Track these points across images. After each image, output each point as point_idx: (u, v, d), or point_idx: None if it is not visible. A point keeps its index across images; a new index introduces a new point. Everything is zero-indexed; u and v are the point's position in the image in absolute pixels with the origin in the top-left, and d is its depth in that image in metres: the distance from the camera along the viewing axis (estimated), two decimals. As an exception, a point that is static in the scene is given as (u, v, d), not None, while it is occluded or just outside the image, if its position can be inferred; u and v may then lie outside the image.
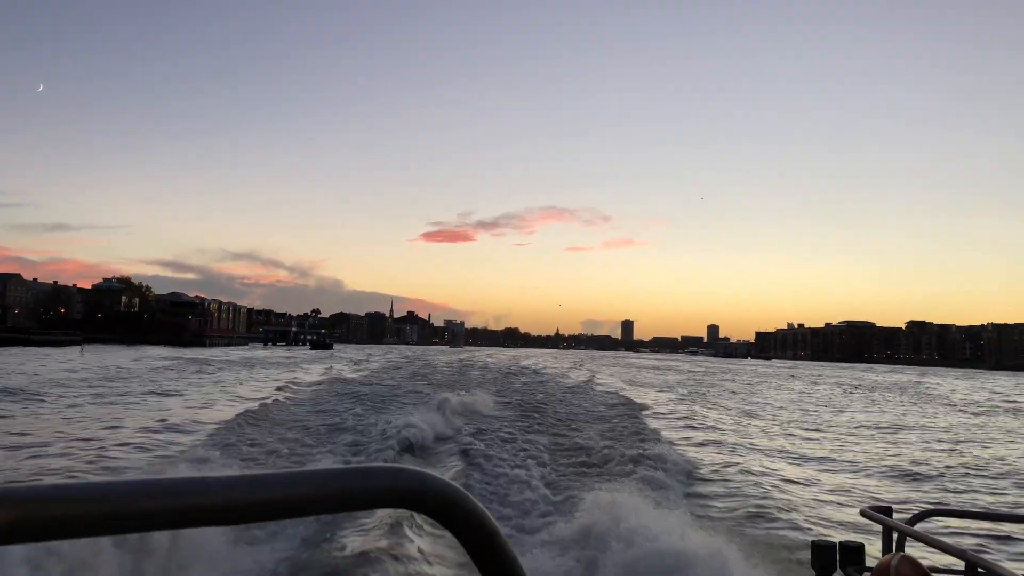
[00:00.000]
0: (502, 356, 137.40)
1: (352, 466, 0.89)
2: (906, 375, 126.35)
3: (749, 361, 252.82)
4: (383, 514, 10.65)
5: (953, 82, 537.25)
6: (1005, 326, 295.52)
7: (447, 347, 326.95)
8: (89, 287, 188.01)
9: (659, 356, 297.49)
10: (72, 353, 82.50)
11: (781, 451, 23.24)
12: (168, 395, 34.78)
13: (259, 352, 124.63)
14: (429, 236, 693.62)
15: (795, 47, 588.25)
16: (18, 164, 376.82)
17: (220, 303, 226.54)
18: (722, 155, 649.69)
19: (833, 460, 21.74)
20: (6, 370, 47.19)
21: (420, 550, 9.94)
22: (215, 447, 18.20)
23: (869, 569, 4.16)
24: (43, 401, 29.65)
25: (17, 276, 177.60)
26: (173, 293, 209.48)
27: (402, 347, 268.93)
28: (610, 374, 74.71)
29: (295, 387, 40.03)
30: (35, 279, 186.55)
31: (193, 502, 0.76)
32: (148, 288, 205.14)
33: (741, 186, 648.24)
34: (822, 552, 4.40)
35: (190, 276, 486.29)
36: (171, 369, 56.80)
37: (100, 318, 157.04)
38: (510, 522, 12.02)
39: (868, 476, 19.19)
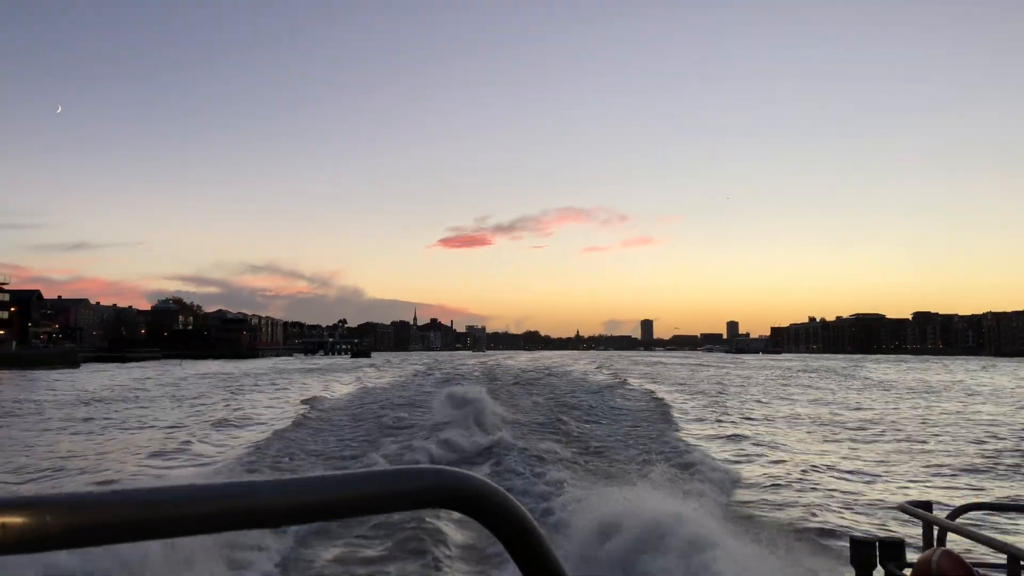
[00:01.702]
0: (522, 358, 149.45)
1: (395, 468, 0.91)
2: (844, 362, 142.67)
3: (748, 356, 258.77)
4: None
5: (959, 80, 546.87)
6: (1004, 314, 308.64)
7: (470, 352, 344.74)
8: (149, 308, 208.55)
9: (673, 354, 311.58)
10: (170, 366, 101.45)
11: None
12: (291, 386, 53.10)
13: (320, 361, 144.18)
14: (447, 242, 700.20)
15: (806, 43, 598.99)
16: (39, 185, 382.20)
17: (260, 318, 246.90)
18: (738, 149, 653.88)
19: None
20: (163, 380, 65.80)
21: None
22: (358, 410, 33.86)
23: (910, 565, 4.10)
24: (254, 387, 47.79)
25: (84, 301, 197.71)
26: (219, 311, 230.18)
27: (427, 353, 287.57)
28: (612, 370, 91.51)
29: (375, 379, 58.19)
30: (98, 303, 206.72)
31: (242, 505, 0.79)
32: (199, 307, 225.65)
33: (758, 180, 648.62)
34: (862, 548, 4.35)
35: (212, 290, 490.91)
36: (267, 374, 75.50)
37: (165, 336, 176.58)
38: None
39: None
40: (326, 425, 26.83)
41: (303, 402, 36.64)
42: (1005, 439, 25.49)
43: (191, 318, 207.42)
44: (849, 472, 18.37)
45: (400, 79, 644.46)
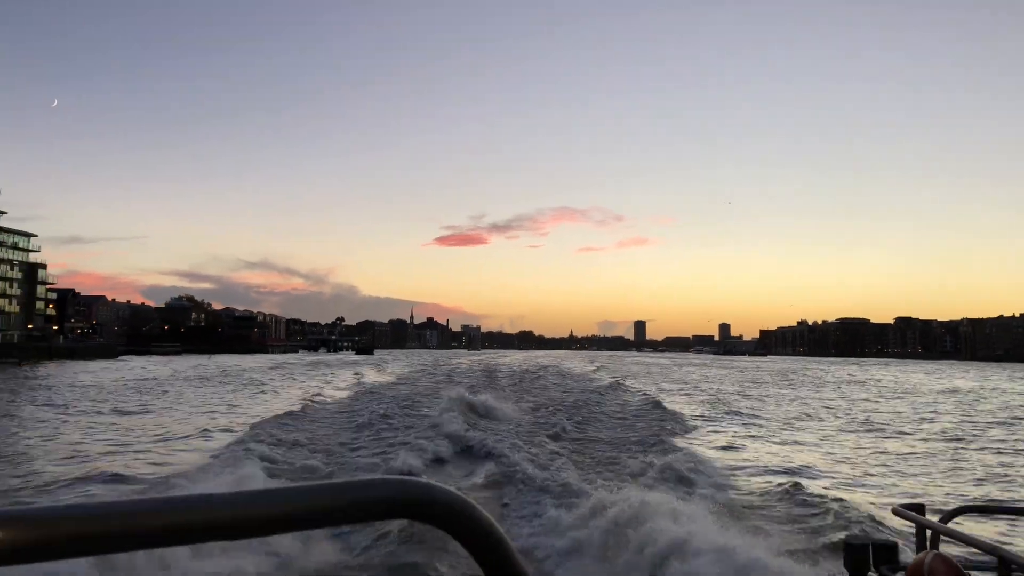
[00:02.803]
0: (516, 357, 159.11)
1: (358, 479, 0.91)
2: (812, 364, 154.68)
3: (734, 358, 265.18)
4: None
5: (951, 91, 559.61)
6: (978, 321, 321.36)
7: (465, 350, 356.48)
8: (164, 305, 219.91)
9: (662, 355, 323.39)
10: (199, 359, 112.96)
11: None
12: (324, 375, 64.71)
13: (330, 356, 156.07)
14: (442, 240, 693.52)
15: (800, 50, 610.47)
16: (33, 178, 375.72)
17: (264, 315, 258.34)
18: (735, 153, 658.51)
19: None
20: (207, 372, 77.27)
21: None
22: (380, 392, 46.92)
23: (903, 567, 4.12)
24: (293, 372, 59.38)
25: (102, 298, 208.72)
26: (227, 309, 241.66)
27: (425, 351, 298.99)
28: (596, 366, 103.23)
29: (388, 373, 69.75)
30: (114, 299, 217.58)
31: (202, 518, 0.79)
32: (209, 304, 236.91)
33: (754, 183, 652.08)
34: (855, 551, 4.36)
35: (206, 286, 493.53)
36: (286, 365, 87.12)
37: (182, 332, 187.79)
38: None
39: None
40: (384, 394, 39.10)
41: (356, 383, 48.73)
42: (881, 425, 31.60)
43: (202, 315, 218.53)
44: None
45: (398, 77, 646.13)
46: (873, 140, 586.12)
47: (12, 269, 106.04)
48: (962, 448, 25.21)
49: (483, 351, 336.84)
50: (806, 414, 36.89)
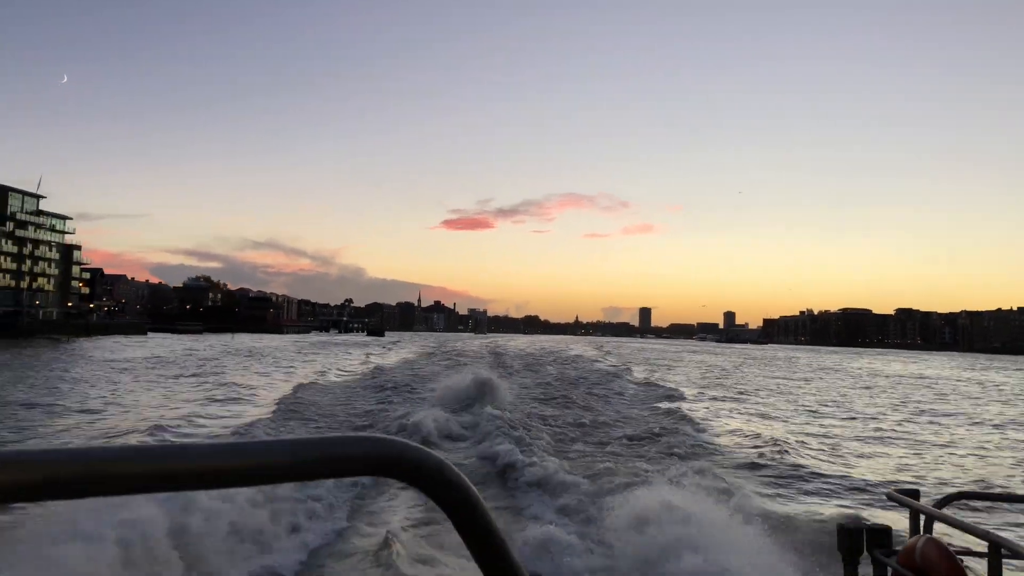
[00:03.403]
0: (522, 340, 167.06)
1: (332, 435, 0.94)
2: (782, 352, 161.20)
3: (737, 345, 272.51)
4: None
5: (955, 88, 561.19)
6: (976, 313, 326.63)
7: (471, 334, 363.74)
8: (181, 285, 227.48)
9: (666, 341, 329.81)
10: (224, 338, 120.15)
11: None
12: (348, 354, 71.65)
13: (344, 337, 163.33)
14: (449, 223, 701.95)
15: (809, 37, 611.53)
16: (41, 155, 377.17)
17: (277, 296, 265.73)
18: (741, 141, 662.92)
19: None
20: (240, 347, 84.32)
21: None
22: (414, 363, 54.25)
23: (896, 552, 4.16)
24: (318, 348, 66.49)
25: (123, 277, 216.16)
26: (241, 289, 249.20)
27: (432, 334, 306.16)
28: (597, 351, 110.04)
29: (402, 352, 76.62)
30: (133, 278, 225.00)
31: (178, 467, 0.82)
32: (225, 284, 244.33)
33: (762, 173, 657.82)
34: (849, 535, 4.39)
35: (213, 264, 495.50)
36: (318, 345, 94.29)
37: (201, 311, 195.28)
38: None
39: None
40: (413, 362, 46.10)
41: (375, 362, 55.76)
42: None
43: (219, 295, 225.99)
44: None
45: (406, 60, 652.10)
46: (878, 136, 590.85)
47: (51, 250, 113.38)
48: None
49: (489, 335, 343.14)
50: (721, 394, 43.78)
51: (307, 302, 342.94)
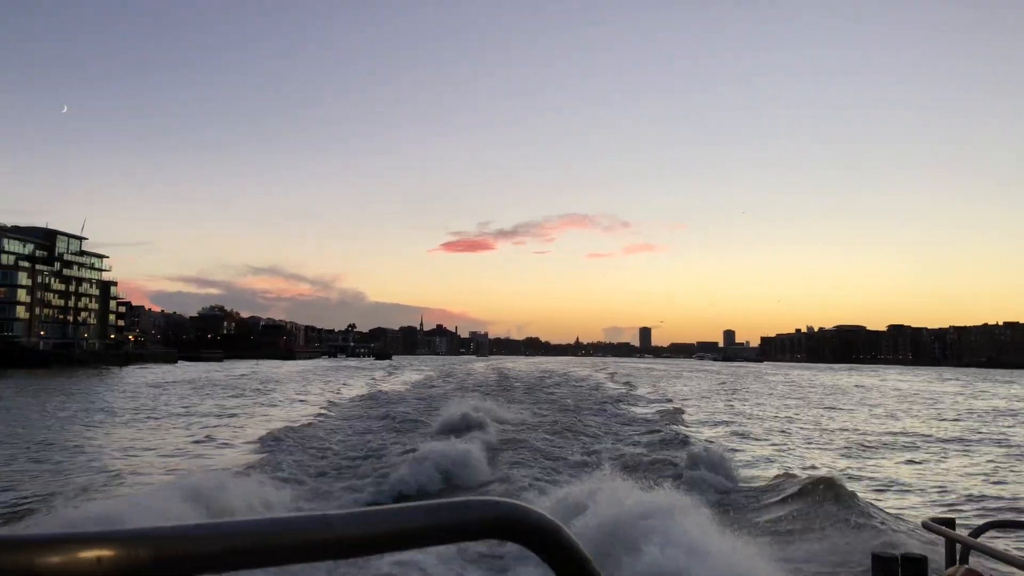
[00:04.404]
0: (523, 363, 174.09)
1: (456, 499, 0.96)
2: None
3: (734, 364, 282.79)
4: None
5: (953, 107, 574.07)
6: (964, 328, 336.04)
7: (473, 356, 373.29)
8: (196, 315, 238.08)
9: (665, 361, 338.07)
10: (248, 364, 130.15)
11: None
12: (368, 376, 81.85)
13: (353, 362, 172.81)
14: (449, 246, 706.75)
15: (800, 62, 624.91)
16: (42, 184, 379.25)
17: (288, 323, 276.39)
18: (740, 161, 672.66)
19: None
20: (261, 375, 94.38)
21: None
22: (428, 388, 64.48)
23: None
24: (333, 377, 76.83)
25: (141, 308, 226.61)
26: (253, 317, 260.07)
27: (437, 357, 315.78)
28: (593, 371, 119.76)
29: (410, 376, 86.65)
30: (148, 309, 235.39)
31: (314, 537, 0.84)
32: (238, 312, 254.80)
33: (762, 193, 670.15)
34: (883, 564, 4.34)
35: (214, 291, 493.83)
36: (329, 371, 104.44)
37: (219, 339, 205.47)
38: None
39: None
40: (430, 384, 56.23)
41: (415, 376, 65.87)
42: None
43: (233, 324, 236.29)
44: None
45: (404, 83, 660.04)
46: (872, 158, 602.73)
47: (92, 287, 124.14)
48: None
49: (490, 357, 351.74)
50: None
51: (312, 328, 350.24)
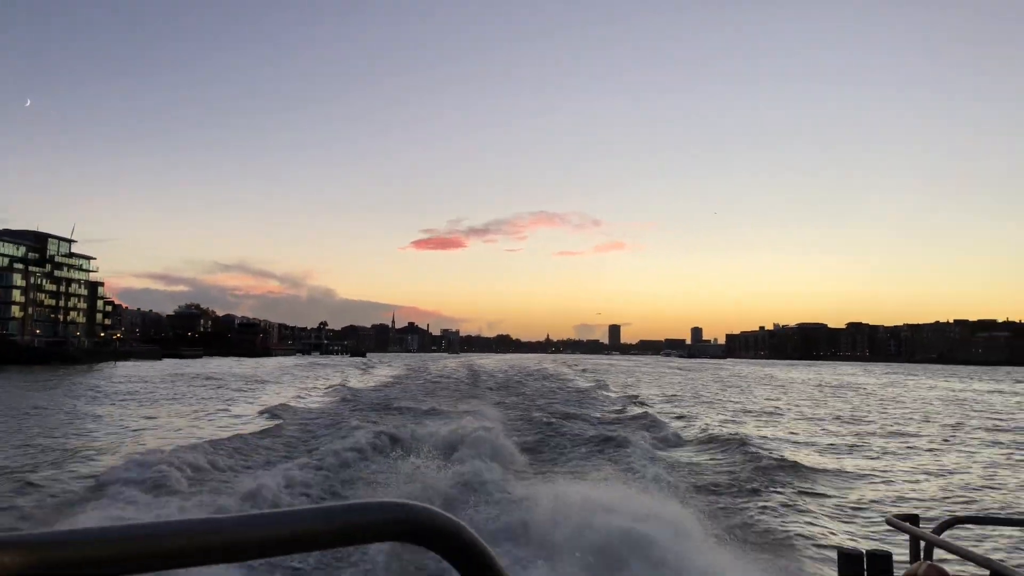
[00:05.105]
0: (493, 359, 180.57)
1: (360, 501, 0.96)
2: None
3: (699, 360, 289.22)
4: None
5: (927, 109, 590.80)
6: (917, 326, 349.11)
7: (445, 353, 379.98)
8: (172, 313, 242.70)
9: (631, 358, 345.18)
10: (230, 360, 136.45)
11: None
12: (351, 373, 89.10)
13: (329, 359, 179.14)
14: (420, 243, 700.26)
15: (766, 61, 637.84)
16: (3, 179, 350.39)
17: (262, 321, 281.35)
18: (709, 161, 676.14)
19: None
20: (247, 373, 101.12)
21: None
22: (402, 383, 72.12)
23: None
24: (323, 368, 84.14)
25: (119, 307, 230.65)
26: (228, 315, 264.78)
27: (409, 355, 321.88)
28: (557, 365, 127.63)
29: (387, 373, 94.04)
30: (125, 307, 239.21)
31: (205, 541, 0.82)
32: (214, 311, 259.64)
33: (731, 192, 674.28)
34: (849, 560, 4.37)
35: (181, 288, 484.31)
36: (310, 367, 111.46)
37: (196, 337, 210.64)
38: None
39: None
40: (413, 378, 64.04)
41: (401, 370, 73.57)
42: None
43: (209, 322, 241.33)
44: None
45: (376, 81, 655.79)
46: (835, 166, 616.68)
47: (80, 287, 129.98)
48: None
49: (461, 354, 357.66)
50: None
51: (285, 326, 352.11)
